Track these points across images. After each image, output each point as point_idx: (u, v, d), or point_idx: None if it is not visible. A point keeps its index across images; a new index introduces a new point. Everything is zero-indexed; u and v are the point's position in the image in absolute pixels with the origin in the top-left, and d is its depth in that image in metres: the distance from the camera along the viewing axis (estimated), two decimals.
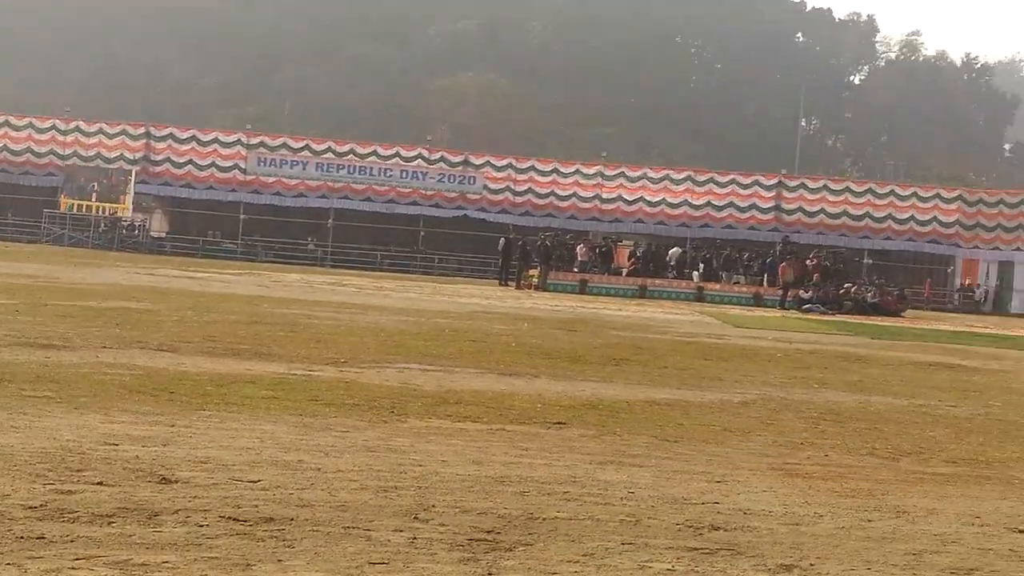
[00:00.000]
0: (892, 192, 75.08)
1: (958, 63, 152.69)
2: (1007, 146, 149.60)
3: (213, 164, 67.34)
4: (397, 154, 69.75)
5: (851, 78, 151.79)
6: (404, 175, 68.76)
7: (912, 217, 73.75)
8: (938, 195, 74.90)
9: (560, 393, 12.56)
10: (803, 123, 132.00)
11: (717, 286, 54.63)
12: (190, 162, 67.34)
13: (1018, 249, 73.24)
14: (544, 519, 6.49)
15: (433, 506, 6.65)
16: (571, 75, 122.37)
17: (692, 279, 55.38)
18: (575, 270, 54.98)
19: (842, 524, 6.89)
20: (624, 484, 7.68)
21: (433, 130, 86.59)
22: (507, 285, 52.68)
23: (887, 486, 8.36)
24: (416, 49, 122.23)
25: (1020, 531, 7.02)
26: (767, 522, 6.79)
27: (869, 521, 7.03)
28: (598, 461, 8.54)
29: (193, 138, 68.19)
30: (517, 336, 20.44)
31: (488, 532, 6.10)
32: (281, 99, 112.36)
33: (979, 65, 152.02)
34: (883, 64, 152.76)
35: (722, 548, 6.06)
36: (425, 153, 70.18)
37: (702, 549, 6.02)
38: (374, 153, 69.35)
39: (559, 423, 10.36)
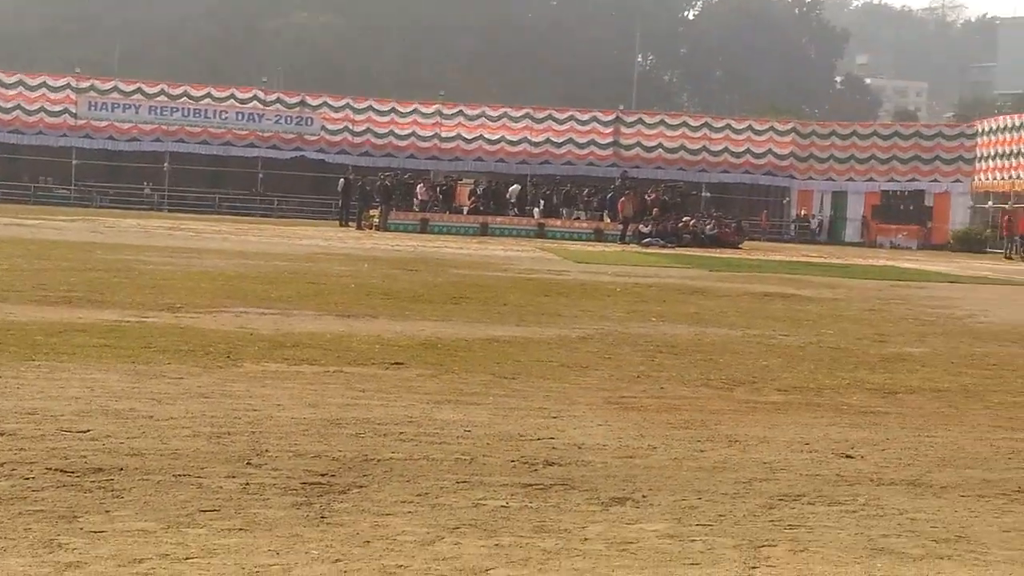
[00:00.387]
0: (728, 126, 76.04)
1: None
2: (838, 79, 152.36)
3: (42, 109, 65.71)
4: (232, 96, 68.75)
5: (685, 13, 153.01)
6: (240, 117, 67.78)
7: (748, 150, 74.81)
8: (772, 128, 76.05)
9: (399, 333, 12.51)
10: (639, 59, 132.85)
11: (558, 222, 54.91)
12: (18, 107, 65.62)
13: (851, 179, 74.73)
14: (379, 460, 6.46)
15: (267, 451, 6.58)
16: (406, 14, 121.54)
17: (533, 216, 55.60)
18: (416, 209, 54.84)
19: (675, 455, 6.97)
20: (460, 423, 7.69)
21: (268, 72, 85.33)
22: (347, 226, 52.38)
23: (720, 416, 8.48)
24: None
25: (847, 456, 7.17)
26: (601, 456, 6.84)
27: (701, 451, 7.12)
28: (435, 400, 8.53)
29: (20, 82, 66.46)
30: (356, 277, 20.33)
31: (322, 475, 6.06)
32: (111, 42, 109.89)
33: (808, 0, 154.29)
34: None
35: (556, 483, 6.10)
36: (261, 95, 69.30)
37: (536, 485, 6.04)
38: (208, 95, 68.26)
39: (397, 363, 10.32)
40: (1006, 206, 66.05)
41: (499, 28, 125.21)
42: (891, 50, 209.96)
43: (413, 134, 71.71)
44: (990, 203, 70.63)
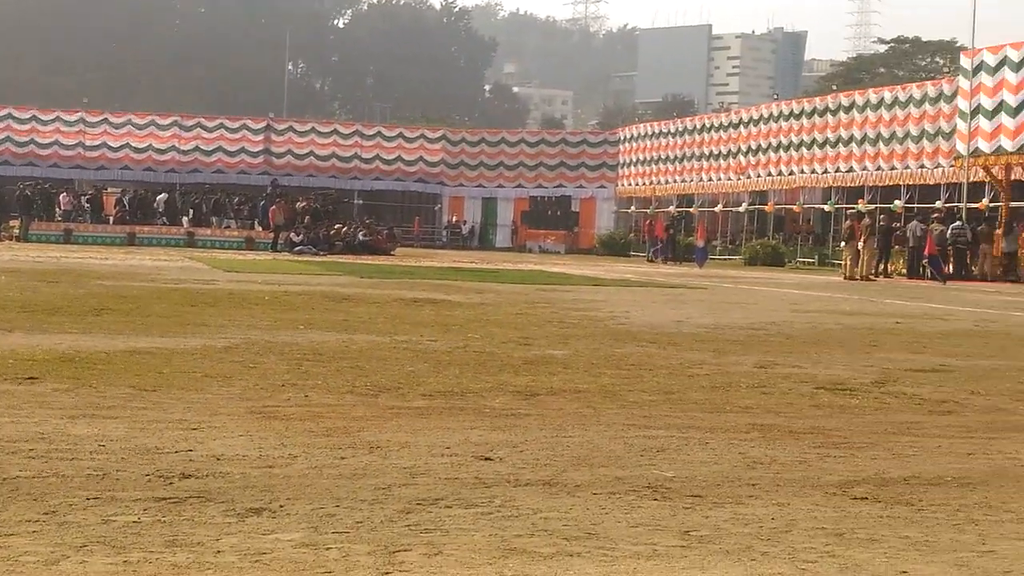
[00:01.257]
0: (379, 133, 76.42)
1: (437, 6, 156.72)
2: (487, 87, 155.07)
3: None
4: None
5: (335, 21, 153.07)
6: None
7: (399, 157, 75.37)
8: (423, 135, 76.82)
9: (35, 347, 12.06)
10: (290, 67, 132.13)
11: (208, 231, 54.12)
12: None
13: (500, 186, 76.14)
14: (5, 479, 6.19)
15: None
16: (47, 20, 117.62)
17: (182, 225, 54.65)
18: (59, 220, 53.16)
19: (315, 463, 6.92)
20: (95, 438, 7.45)
21: None
22: None
23: (363, 423, 8.47)
24: None
25: (487, 458, 7.25)
26: (240, 467, 6.74)
27: (342, 459, 7.09)
28: (70, 415, 8.25)
29: None
30: None
31: None
32: None
33: (457, 9, 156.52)
34: (366, 7, 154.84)
35: (192, 496, 5.97)
36: None
37: (171, 498, 5.90)
38: None
39: (31, 378, 9.94)
40: (648, 211, 68.51)
41: (145, 35, 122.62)
42: (538, 59, 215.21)
43: (56, 143, 69.50)
44: (633, 208, 73.12)
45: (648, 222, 63.16)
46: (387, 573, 4.71)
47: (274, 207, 52.88)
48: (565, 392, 10.53)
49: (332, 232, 51.22)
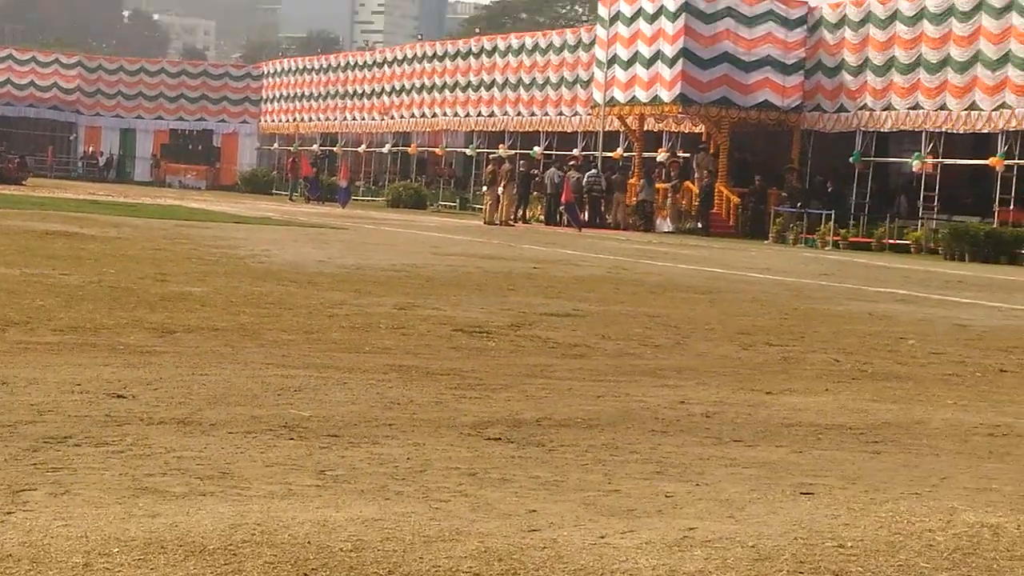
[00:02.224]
0: (10, 56, 73.35)
1: None
2: (126, 13, 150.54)
3: None
4: None
5: None
6: None
7: (32, 83, 72.55)
8: (58, 60, 74.09)
9: None
10: None
11: None
12: None
13: (139, 117, 74.23)
14: None
15: None
16: None
17: None
18: None
19: None
20: None
21: None
22: None
23: None
24: None
25: (119, 396, 7.09)
26: None
27: None
28: None
29: None
30: None
31: None
32: None
33: None
34: None
35: None
36: None
37: None
38: None
39: None
40: (291, 148, 67.99)
41: None
42: None
43: None
44: (276, 145, 72.42)
45: (291, 160, 62.68)
46: (10, 513, 4.55)
47: None
48: (202, 330, 10.39)
49: None
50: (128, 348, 9.12)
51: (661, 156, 45.31)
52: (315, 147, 67.05)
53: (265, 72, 75.29)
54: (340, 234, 28.22)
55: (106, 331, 9.92)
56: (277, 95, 72.62)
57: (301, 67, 71.46)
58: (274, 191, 65.67)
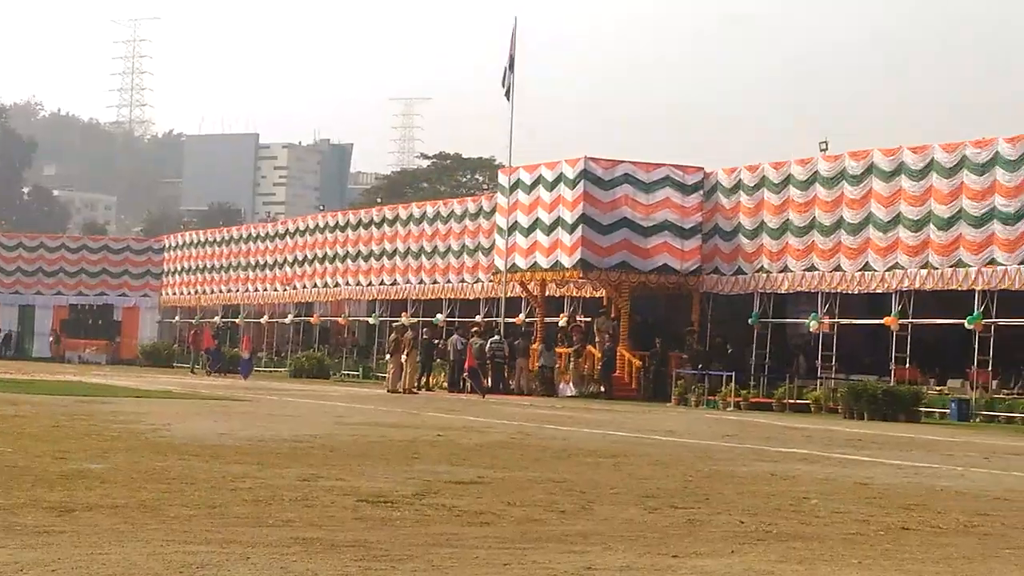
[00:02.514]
0: None
1: None
2: (26, 189, 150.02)
3: None
4: None
5: None
6: None
7: None
8: None
9: None
10: None
11: None
12: None
13: (39, 293, 73.63)
14: None
15: None
16: None
17: None
18: None
19: None
20: None
21: None
22: None
23: None
24: None
25: None
26: None
27: None
28: None
29: None
30: None
31: None
32: None
33: None
34: None
35: None
36: None
37: None
38: None
39: None
40: (193, 321, 67.61)
41: None
42: (80, 162, 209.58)
43: None
44: (178, 318, 71.98)
45: (193, 332, 62.31)
46: None
47: None
48: (102, 507, 10.23)
49: None
50: (25, 528, 8.96)
51: (562, 321, 45.66)
52: (217, 319, 66.70)
53: (166, 245, 75.16)
54: (242, 406, 28.00)
55: (2, 511, 9.75)
56: (179, 268, 72.45)
57: (202, 240, 71.46)
58: (176, 364, 65.15)
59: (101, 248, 75.98)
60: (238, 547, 8.41)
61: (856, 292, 37.54)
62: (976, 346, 34.49)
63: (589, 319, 45.06)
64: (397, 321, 50.85)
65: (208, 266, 69.35)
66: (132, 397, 30.10)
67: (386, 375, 44.34)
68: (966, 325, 34.56)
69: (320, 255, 60.22)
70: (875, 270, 36.64)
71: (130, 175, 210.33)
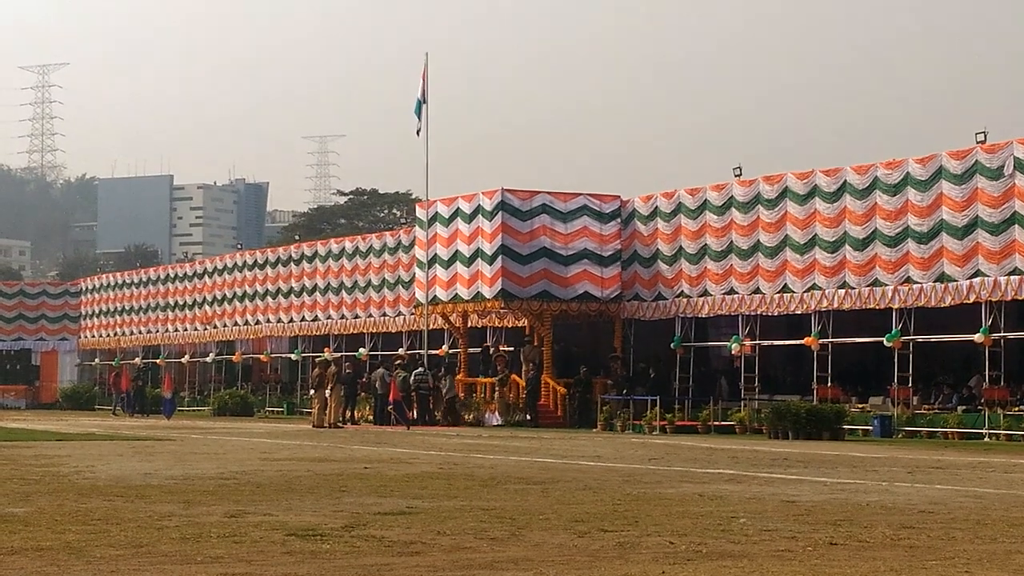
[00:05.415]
0: None
1: None
2: None
3: None
4: None
5: None
6: None
7: None
8: None
9: None
10: None
11: None
12: None
13: None
14: None
15: None
16: None
17: None
18: None
19: None
20: None
21: None
22: None
23: None
24: None
25: None
26: None
27: None
28: None
29: None
30: None
31: None
32: None
33: None
34: None
35: None
36: None
37: None
38: None
39: None
40: (113, 363, 66.95)
41: None
42: None
43: None
44: (97, 360, 71.24)
45: (113, 374, 61.66)
46: None
47: None
48: (26, 551, 10.10)
49: None
50: None
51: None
52: (137, 360, 66.08)
53: (83, 288, 74.41)
54: (166, 445, 27.74)
55: None
56: (97, 311, 71.73)
57: (120, 282, 70.87)
58: (97, 406, 64.43)
59: (17, 293, 75.04)
60: None
61: (776, 314, 37.84)
62: (896, 363, 34.87)
63: (512, 348, 45.07)
64: (320, 357, 50.61)
65: (127, 308, 68.73)
66: (53, 440, 29.72)
67: (311, 410, 44.11)
68: (885, 343, 34.96)
69: (240, 293, 59.86)
70: (794, 291, 36.95)
71: (44, 220, 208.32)
